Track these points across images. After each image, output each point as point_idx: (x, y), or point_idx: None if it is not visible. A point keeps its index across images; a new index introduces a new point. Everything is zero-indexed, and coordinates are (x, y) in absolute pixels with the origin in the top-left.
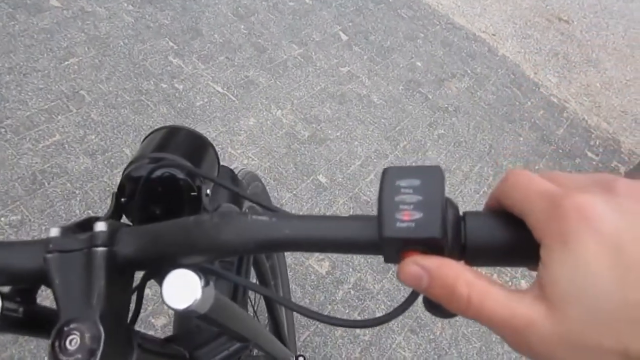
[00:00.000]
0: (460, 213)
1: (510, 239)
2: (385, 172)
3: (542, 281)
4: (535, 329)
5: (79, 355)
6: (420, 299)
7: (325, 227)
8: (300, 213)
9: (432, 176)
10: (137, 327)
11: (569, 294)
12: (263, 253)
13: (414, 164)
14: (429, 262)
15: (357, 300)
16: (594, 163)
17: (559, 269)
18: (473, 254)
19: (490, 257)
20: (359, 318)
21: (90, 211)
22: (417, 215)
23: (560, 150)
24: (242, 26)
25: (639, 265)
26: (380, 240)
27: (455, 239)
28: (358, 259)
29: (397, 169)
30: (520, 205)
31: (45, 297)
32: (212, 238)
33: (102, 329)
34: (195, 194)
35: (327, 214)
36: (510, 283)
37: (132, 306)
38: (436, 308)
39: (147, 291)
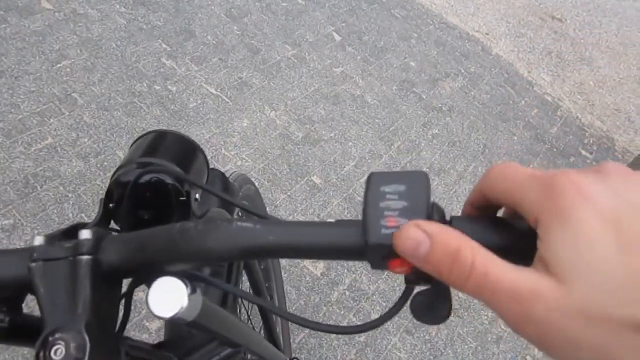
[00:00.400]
0: (447, 217)
1: (499, 241)
2: (370, 177)
3: (543, 258)
4: (543, 300)
5: None
6: (409, 304)
7: (310, 233)
8: (295, 214)
9: (417, 182)
10: (131, 331)
11: (573, 268)
12: (249, 259)
13: (401, 169)
14: (431, 226)
15: (352, 302)
16: (588, 161)
17: (560, 244)
18: None
19: None
20: (354, 320)
21: (83, 214)
22: (402, 221)
23: (555, 149)
24: (235, 27)
25: (639, 237)
26: (365, 247)
27: None
28: None
29: (382, 174)
30: (511, 193)
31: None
32: (196, 245)
33: (87, 338)
34: (184, 198)
35: (322, 214)
36: None
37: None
38: (425, 314)
39: (141, 294)
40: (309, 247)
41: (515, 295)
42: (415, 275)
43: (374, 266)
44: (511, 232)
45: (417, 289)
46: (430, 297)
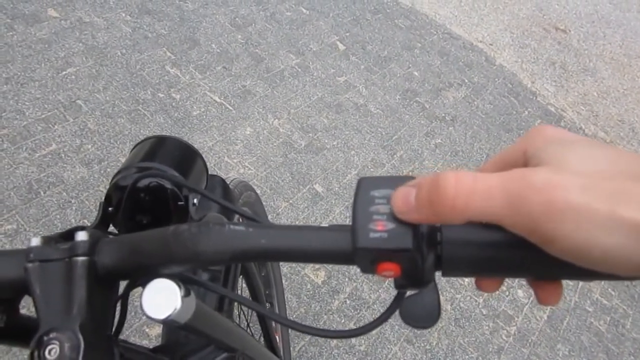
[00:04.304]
0: (437, 224)
1: (490, 247)
2: (359, 182)
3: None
4: (533, 173)
5: None
6: (398, 310)
7: (301, 237)
8: (296, 222)
9: None
10: (132, 337)
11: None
12: (241, 262)
13: (388, 174)
14: (412, 181)
15: (352, 310)
16: None
17: (545, 150)
18: (450, 265)
19: (470, 267)
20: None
21: (86, 220)
22: (390, 225)
23: None
24: (240, 36)
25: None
26: (353, 251)
27: (431, 249)
28: (354, 268)
29: (372, 179)
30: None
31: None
32: (189, 248)
33: (81, 338)
34: (182, 203)
35: (324, 223)
36: (507, 293)
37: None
38: (414, 318)
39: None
40: (299, 251)
41: (507, 181)
42: (404, 279)
43: (364, 270)
44: (503, 240)
45: (408, 294)
46: (419, 302)
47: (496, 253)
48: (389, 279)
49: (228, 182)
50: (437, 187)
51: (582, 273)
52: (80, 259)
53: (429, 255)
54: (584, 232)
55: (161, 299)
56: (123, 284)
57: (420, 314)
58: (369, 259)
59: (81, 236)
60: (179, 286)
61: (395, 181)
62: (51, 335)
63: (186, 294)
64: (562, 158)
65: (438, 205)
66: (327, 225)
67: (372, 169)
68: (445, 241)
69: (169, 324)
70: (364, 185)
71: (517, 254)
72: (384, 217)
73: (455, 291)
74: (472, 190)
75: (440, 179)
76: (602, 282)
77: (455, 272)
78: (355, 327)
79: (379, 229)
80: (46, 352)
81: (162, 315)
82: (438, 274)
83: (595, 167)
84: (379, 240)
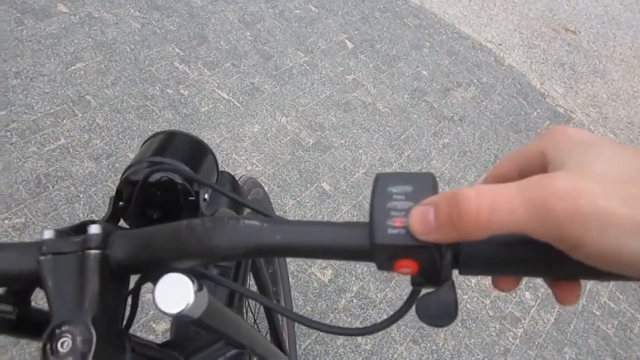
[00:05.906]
0: None
1: (509, 246)
2: (377, 178)
3: (552, 163)
4: (556, 179)
5: (70, 358)
6: (415, 307)
7: (317, 233)
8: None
9: (424, 183)
10: (138, 332)
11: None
12: (255, 258)
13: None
14: (430, 198)
15: (359, 309)
16: None
17: (567, 152)
18: (467, 262)
19: (488, 266)
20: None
21: (93, 215)
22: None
23: None
24: (248, 33)
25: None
26: (371, 247)
27: (449, 247)
28: (361, 267)
29: (389, 175)
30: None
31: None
32: (203, 242)
33: (94, 331)
34: (192, 198)
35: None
36: (514, 294)
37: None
38: (431, 316)
39: (149, 296)
40: (315, 247)
41: (529, 193)
42: (421, 277)
43: (381, 267)
44: (519, 238)
45: (423, 291)
46: (436, 299)
47: (515, 252)
48: (404, 275)
49: (237, 179)
50: (457, 204)
51: (602, 273)
52: (93, 252)
53: (447, 252)
54: (611, 238)
55: (174, 294)
56: (133, 279)
57: (437, 312)
58: (386, 255)
59: (94, 229)
60: (192, 281)
61: (413, 178)
62: (63, 328)
63: (199, 289)
64: (586, 162)
65: (460, 223)
66: (340, 222)
67: (379, 168)
68: None
69: (181, 319)
70: (381, 182)
71: (536, 253)
72: (402, 213)
73: (462, 292)
74: (494, 204)
75: (459, 195)
76: (610, 286)
77: (473, 270)
78: (367, 325)
79: (397, 225)
80: (58, 345)
81: (175, 309)
82: (455, 272)
83: (619, 170)
84: (397, 236)
